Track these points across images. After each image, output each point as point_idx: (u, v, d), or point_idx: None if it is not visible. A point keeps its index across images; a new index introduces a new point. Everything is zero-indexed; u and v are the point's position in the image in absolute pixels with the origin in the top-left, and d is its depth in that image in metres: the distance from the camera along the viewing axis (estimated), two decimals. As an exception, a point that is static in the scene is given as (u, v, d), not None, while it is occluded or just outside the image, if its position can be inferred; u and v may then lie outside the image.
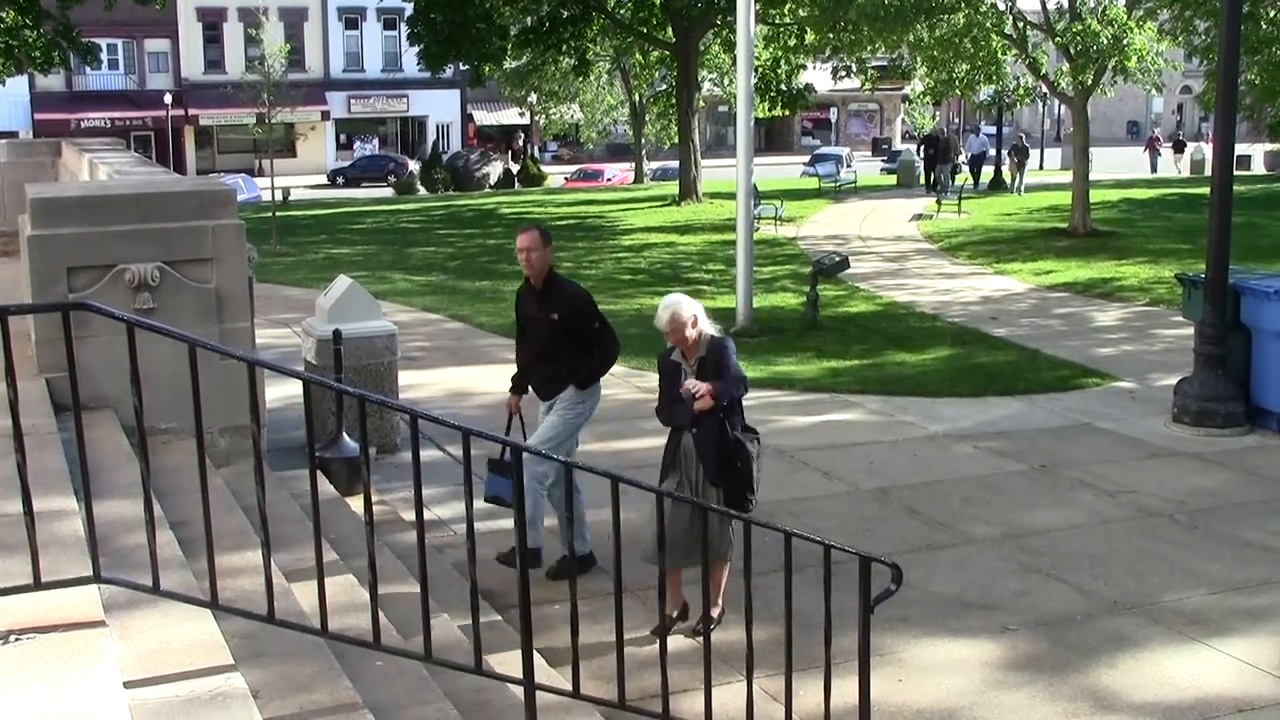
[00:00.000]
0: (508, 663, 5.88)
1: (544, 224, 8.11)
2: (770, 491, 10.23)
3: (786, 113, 45.75)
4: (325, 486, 8.66)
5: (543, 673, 5.81)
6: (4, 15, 35.83)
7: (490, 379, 14.09)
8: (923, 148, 44.32)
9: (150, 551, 4.63)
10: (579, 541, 8.05)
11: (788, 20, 37.79)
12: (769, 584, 6.33)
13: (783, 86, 41.51)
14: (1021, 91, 32.45)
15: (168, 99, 62.58)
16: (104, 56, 52.63)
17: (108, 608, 4.65)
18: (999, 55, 28.01)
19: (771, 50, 39.96)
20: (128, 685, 4.22)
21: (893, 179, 48.28)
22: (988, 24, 27.11)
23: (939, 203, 35.13)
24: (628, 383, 14.11)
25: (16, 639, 4.33)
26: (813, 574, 5.90)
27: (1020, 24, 28.83)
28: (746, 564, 5.59)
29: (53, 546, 4.81)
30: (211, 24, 66.41)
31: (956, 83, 28.81)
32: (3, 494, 4.96)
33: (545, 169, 63.95)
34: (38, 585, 4.44)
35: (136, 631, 4.69)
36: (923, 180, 42.63)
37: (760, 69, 38.23)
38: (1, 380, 4.45)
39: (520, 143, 71.87)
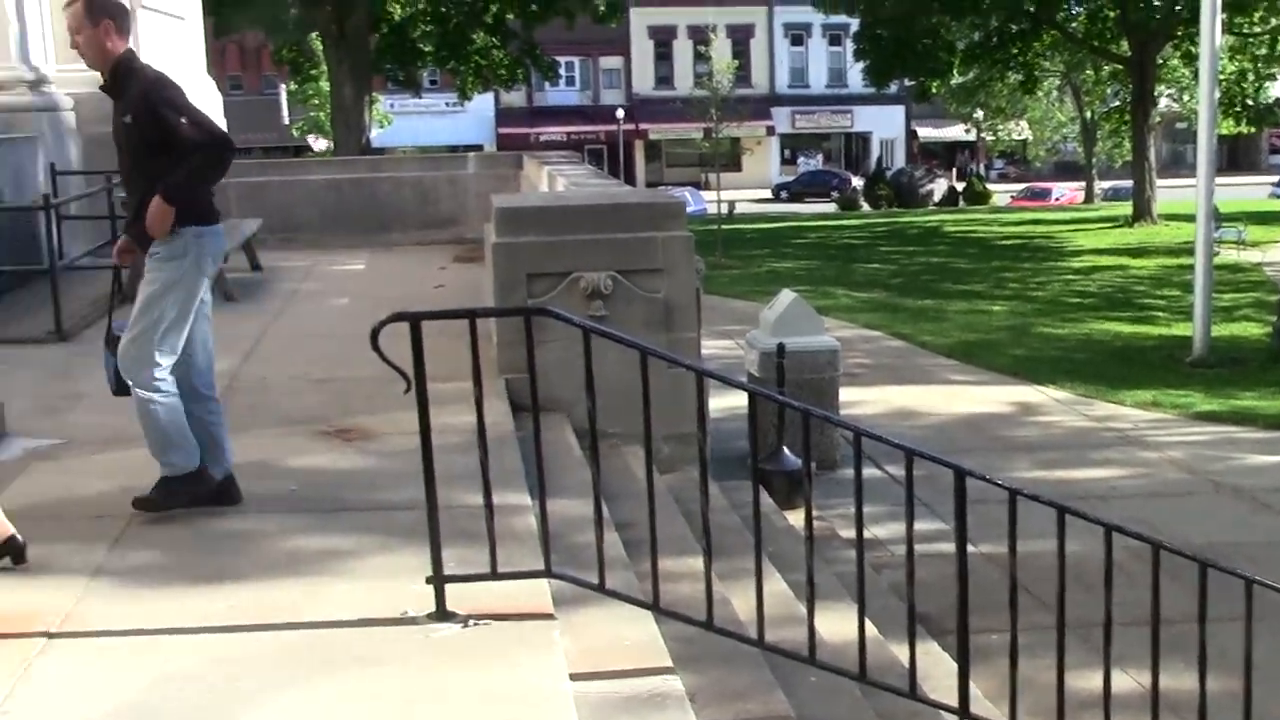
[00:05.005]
0: (941, 691, 5.74)
1: None
2: (1229, 534, 9.62)
3: (1252, 129, 43.14)
4: (765, 499, 8.72)
5: (978, 704, 5.65)
6: (475, 36, 38.15)
7: (933, 399, 13.90)
8: None
9: (598, 551, 4.77)
10: (179, 457, 5.81)
11: (1257, 29, 35.61)
12: (1223, 631, 5.93)
13: (1249, 100, 39.17)
14: None
15: (620, 114, 64.92)
16: (562, 73, 55.11)
17: (556, 601, 4.82)
18: None
19: (1237, 62, 37.77)
20: (573, 678, 4.34)
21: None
22: None
23: None
24: (1074, 410, 13.62)
25: (473, 624, 4.56)
26: (1275, 625, 5.49)
27: None
28: (1201, 611, 5.26)
29: (508, 540, 5.02)
30: (662, 41, 68.48)
31: None
32: (466, 487, 5.22)
33: (990, 187, 62.67)
34: (494, 575, 4.65)
35: (581, 627, 4.83)
36: None
37: (1224, 82, 36.19)
38: (467, 379, 4.68)
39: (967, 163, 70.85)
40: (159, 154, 5.59)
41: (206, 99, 19.81)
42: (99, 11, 5.63)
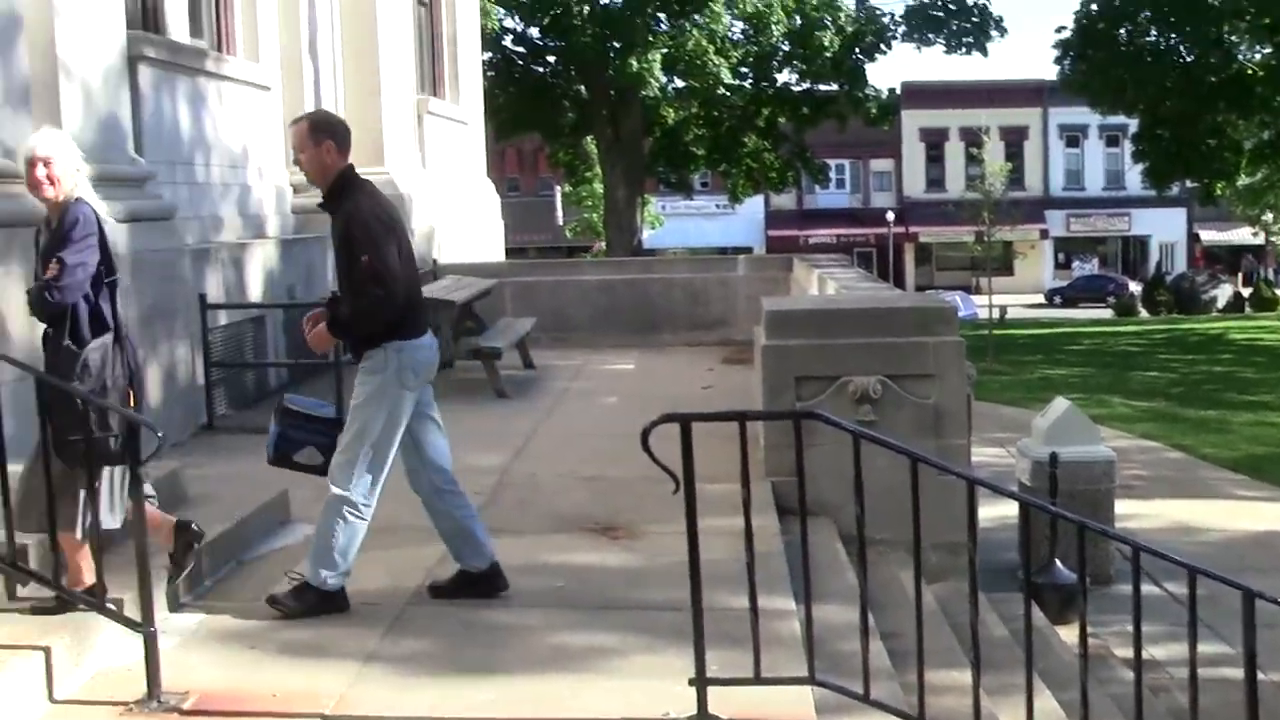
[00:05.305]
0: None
1: (324, 112, 6.48)
2: None
3: None
4: (1036, 613, 8.45)
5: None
6: (746, 140, 38.69)
7: (1216, 515, 13.26)
8: None
9: (863, 660, 4.70)
10: (328, 574, 5.91)
11: None
12: None
13: None
14: None
15: (889, 216, 64.72)
16: (832, 176, 55.28)
17: (818, 709, 4.76)
18: None
19: None
20: (835, 791, 4.27)
21: None
22: None
23: None
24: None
25: (735, 729, 4.54)
26: None
27: None
28: None
29: (772, 644, 4.99)
30: (934, 144, 68.10)
31: None
32: (731, 589, 5.22)
33: (1280, 293, 60.02)
34: (757, 680, 4.63)
35: (845, 737, 4.75)
36: None
37: None
38: (734, 480, 4.70)
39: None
40: (352, 274, 5.85)
41: (486, 200, 20.58)
42: (321, 132, 5.93)
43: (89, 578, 5.31)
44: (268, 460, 6.17)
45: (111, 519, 5.45)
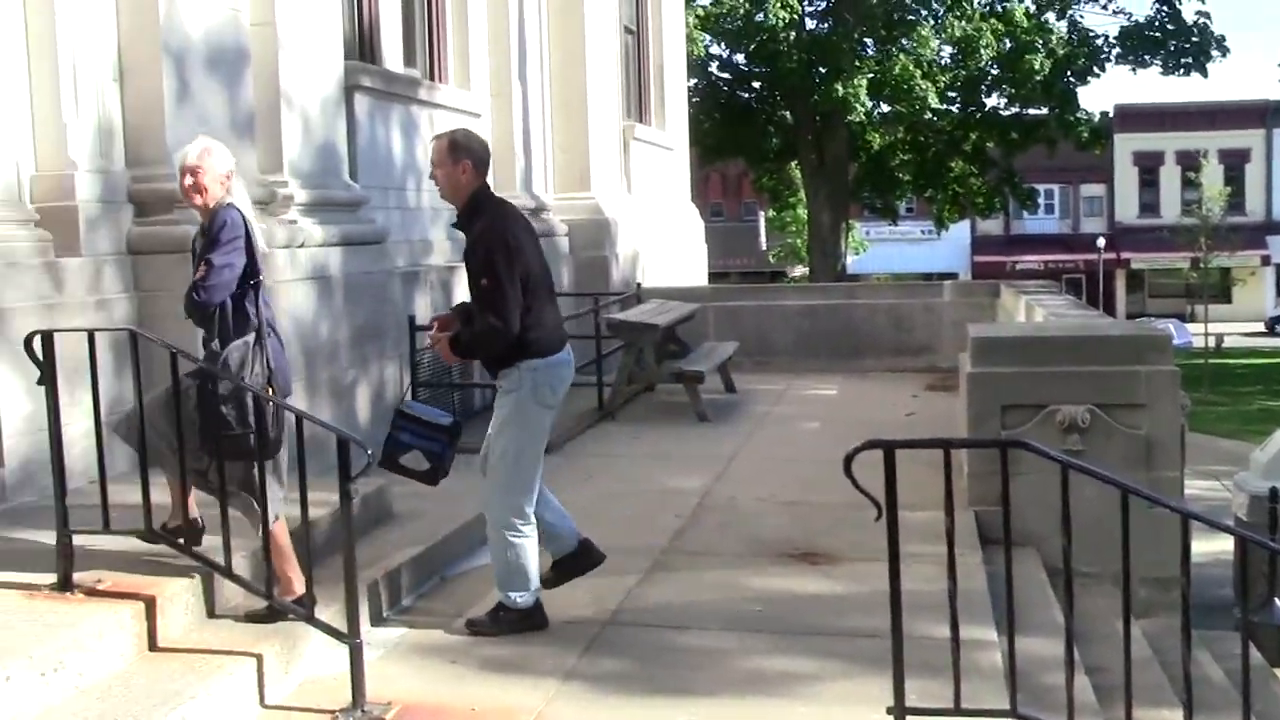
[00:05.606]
0: None
1: (466, 132, 6.31)
2: None
3: None
4: (1253, 653, 8.14)
5: None
6: (953, 164, 38.17)
7: None
8: None
9: (1068, 695, 4.58)
10: (516, 593, 6.00)
11: None
12: None
13: None
14: None
15: (1100, 242, 63.08)
16: (1040, 201, 54.16)
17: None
18: None
19: None
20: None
21: None
22: None
23: None
24: None
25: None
26: None
27: None
28: None
29: (972, 675, 4.91)
30: (1148, 168, 66.15)
31: None
32: (931, 618, 5.15)
33: None
34: (957, 711, 4.57)
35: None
36: None
37: None
38: (936, 508, 4.63)
39: None
40: (476, 294, 6.01)
41: (690, 225, 20.68)
42: (460, 151, 6.01)
43: (299, 588, 5.49)
44: (376, 462, 6.13)
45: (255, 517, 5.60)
